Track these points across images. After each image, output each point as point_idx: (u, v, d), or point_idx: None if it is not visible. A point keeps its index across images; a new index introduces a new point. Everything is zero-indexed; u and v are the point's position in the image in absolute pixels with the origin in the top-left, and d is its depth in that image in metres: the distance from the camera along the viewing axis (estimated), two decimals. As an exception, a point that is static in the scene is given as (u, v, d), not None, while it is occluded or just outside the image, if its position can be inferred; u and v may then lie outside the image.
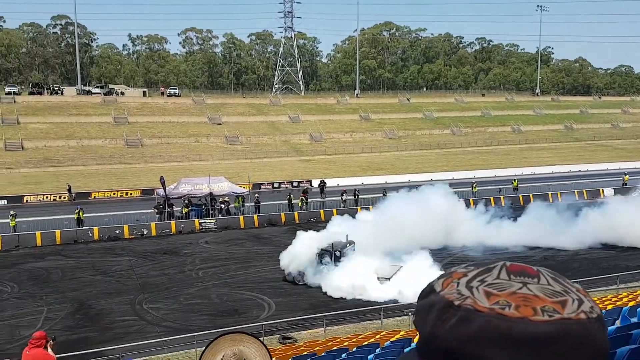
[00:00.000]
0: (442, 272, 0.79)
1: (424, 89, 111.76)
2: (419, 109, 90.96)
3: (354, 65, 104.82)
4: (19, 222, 31.36)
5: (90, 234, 31.46)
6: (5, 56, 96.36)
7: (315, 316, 19.14)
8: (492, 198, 39.80)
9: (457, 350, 0.68)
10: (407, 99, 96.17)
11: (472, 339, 0.67)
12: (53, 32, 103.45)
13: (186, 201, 34.72)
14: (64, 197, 43.58)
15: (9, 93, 73.75)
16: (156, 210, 34.52)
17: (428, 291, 0.75)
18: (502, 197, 40.97)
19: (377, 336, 12.44)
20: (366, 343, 11.34)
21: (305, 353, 10.90)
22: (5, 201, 41.54)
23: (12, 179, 51.41)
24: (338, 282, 21.62)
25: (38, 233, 30.51)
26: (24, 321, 19.21)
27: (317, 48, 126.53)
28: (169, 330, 18.39)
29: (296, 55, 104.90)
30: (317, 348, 11.59)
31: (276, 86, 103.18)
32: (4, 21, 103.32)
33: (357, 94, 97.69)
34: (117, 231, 32.01)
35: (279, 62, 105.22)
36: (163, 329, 18.60)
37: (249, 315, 19.77)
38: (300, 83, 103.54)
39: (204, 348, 2.10)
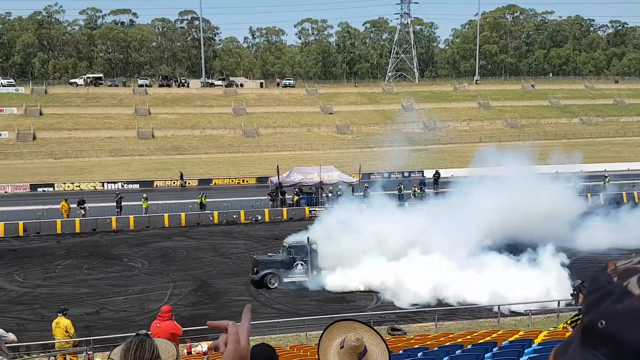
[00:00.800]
0: (613, 269, 0.70)
1: (551, 75, 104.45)
2: (544, 95, 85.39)
3: (474, 50, 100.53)
4: (150, 204, 34.06)
5: (211, 218, 33.39)
6: (138, 50, 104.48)
7: (426, 309, 18.69)
8: (624, 193, 36.68)
9: None
10: (532, 86, 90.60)
11: None
12: (180, 27, 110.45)
13: (297, 189, 35.56)
14: (176, 183, 46.21)
15: (141, 85, 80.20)
16: (269, 197, 35.78)
17: (620, 294, 0.67)
18: (635, 192, 37.33)
19: (494, 335, 11.77)
20: (482, 341, 10.76)
21: (416, 346, 10.58)
22: (138, 185, 45.36)
23: (144, 165, 56.13)
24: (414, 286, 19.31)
25: (166, 215, 32.94)
26: (152, 296, 20.83)
27: (434, 34, 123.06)
28: (280, 312, 18.98)
29: (412, 42, 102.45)
30: (428, 342, 11.22)
31: (389, 74, 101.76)
32: (137, 17, 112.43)
33: (476, 80, 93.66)
34: (235, 216, 33.67)
35: (394, 49, 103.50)
36: (275, 310, 19.22)
37: (356, 305, 19.82)
38: (415, 70, 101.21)
39: (321, 332, 2.15)
